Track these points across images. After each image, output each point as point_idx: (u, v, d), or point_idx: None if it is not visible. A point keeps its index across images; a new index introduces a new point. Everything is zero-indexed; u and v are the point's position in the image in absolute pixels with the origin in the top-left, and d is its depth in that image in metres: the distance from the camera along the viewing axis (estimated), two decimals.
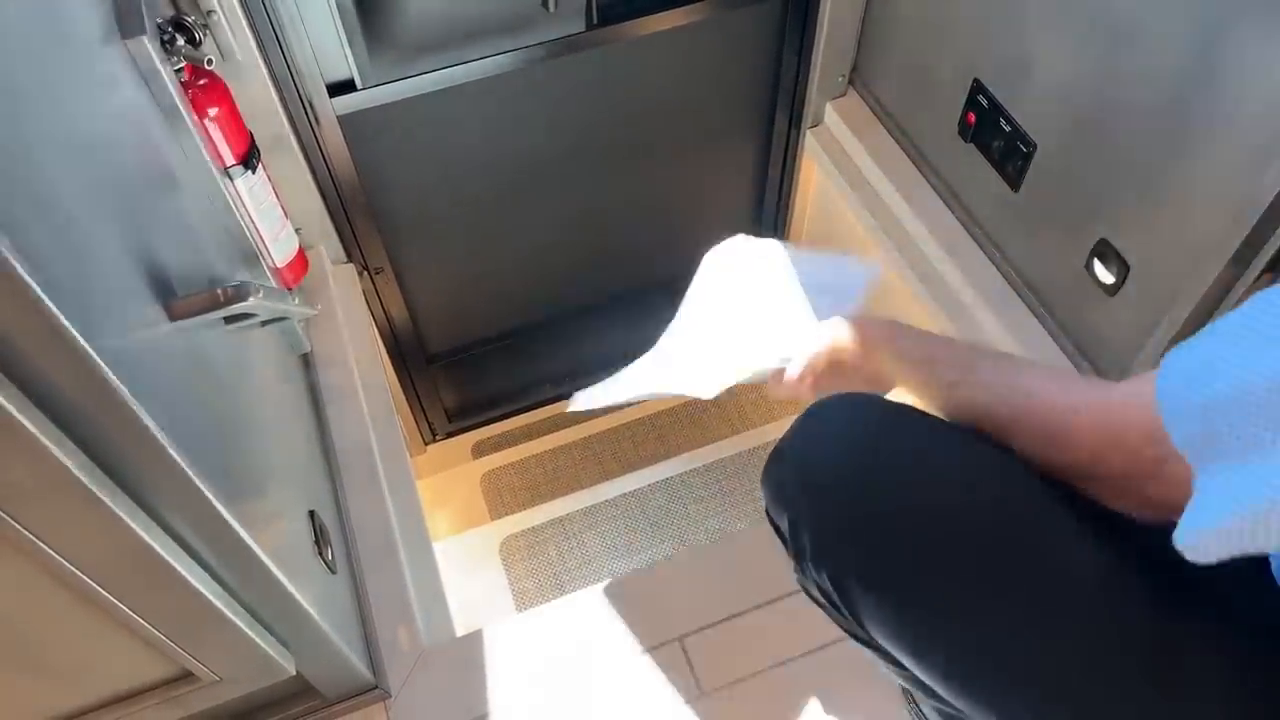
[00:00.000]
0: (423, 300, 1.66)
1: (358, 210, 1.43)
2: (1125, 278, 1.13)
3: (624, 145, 1.56)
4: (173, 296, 0.72)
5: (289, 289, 1.23)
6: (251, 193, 1.10)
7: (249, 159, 1.08)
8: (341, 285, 1.45)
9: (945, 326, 1.39)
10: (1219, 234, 0.98)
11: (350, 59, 1.24)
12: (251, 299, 0.74)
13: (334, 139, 1.32)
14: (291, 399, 1.18)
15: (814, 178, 1.72)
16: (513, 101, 1.40)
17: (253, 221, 1.11)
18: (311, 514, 0.99)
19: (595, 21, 1.33)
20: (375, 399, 1.33)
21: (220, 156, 1.04)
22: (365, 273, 1.54)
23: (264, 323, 1.03)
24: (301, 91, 1.24)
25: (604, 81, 1.44)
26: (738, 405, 1.78)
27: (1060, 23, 1.10)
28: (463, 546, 1.42)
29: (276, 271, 1.18)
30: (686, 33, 1.41)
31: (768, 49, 1.51)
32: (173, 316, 0.70)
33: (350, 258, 1.50)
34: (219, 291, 0.73)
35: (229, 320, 0.84)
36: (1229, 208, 0.96)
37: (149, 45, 0.85)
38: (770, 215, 1.80)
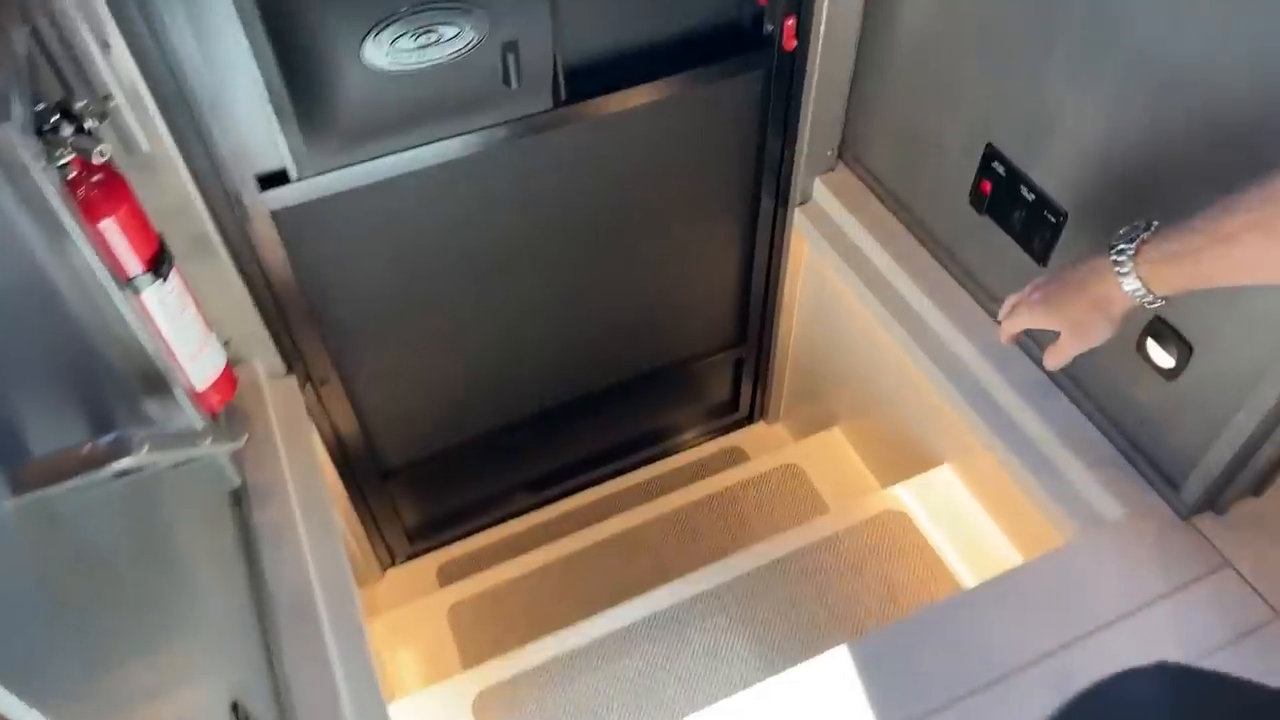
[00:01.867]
0: (375, 410, 1.48)
1: (298, 316, 1.25)
2: (1188, 359, 0.98)
3: (598, 230, 1.41)
4: (22, 460, 0.53)
5: (212, 414, 1.04)
6: (163, 305, 0.92)
7: (158, 266, 0.91)
8: (280, 402, 1.26)
9: (974, 423, 1.23)
10: None
11: (283, 147, 1.08)
12: (133, 455, 0.56)
13: (267, 237, 1.15)
14: (215, 548, 0.98)
15: (804, 257, 1.57)
16: (473, 188, 1.25)
17: (164, 339, 0.93)
18: (234, 707, 0.78)
19: (563, 98, 1.19)
20: (320, 536, 1.13)
21: (120, 265, 0.87)
22: (309, 385, 1.35)
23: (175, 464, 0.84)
24: (226, 185, 1.07)
25: (574, 162, 1.30)
26: (739, 512, 1.60)
27: (1090, 72, 0.97)
28: (429, 705, 1.21)
29: (195, 395, 0.99)
30: (662, 108, 1.28)
31: (749, 124, 1.38)
32: (17, 488, 0.51)
33: (290, 370, 1.31)
34: (87, 450, 0.55)
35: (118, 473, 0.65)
36: None
37: (16, 135, 0.69)
38: (759, 298, 1.65)
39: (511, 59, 1.11)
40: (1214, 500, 1.03)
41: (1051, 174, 1.08)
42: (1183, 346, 0.98)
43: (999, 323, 0.95)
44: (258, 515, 1.12)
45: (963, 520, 1.39)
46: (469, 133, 1.17)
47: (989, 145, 1.15)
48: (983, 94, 1.13)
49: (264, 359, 1.26)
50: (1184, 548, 1.03)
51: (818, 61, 1.28)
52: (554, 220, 1.36)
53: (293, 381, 1.32)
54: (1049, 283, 0.88)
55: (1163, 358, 1.01)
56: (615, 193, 1.37)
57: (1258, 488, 1.04)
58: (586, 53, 1.19)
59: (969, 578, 1.38)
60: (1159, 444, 1.06)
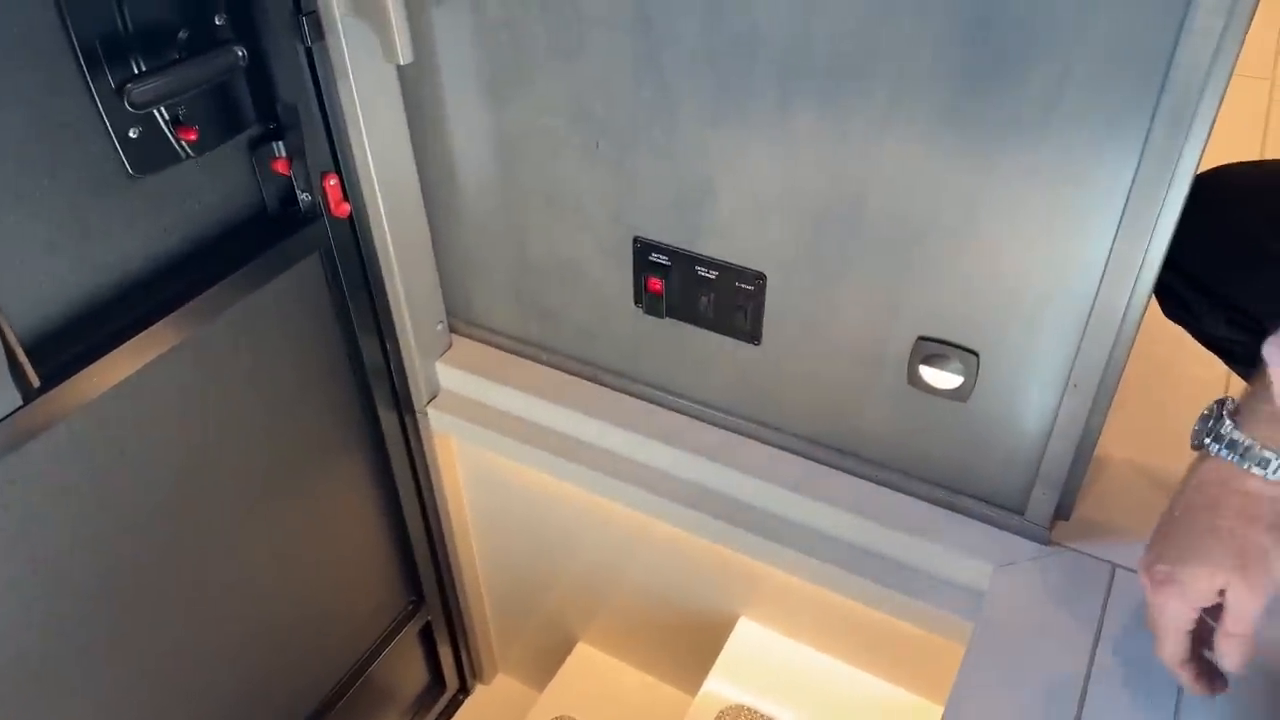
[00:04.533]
0: None
1: None
2: (976, 368, 0.83)
3: (162, 554, 0.94)
4: None
5: None
6: None
7: None
8: None
9: (762, 551, 0.98)
10: (1088, 247, 0.72)
11: None
12: None
13: None
14: None
15: (458, 462, 1.23)
16: None
17: None
18: None
19: (36, 384, 0.74)
20: None
21: None
22: None
23: None
24: None
25: (90, 471, 0.83)
26: None
27: (736, 115, 0.80)
28: None
29: None
30: (203, 344, 0.88)
31: (327, 325, 1.03)
32: None
33: None
34: None
35: None
36: (1090, 197, 0.71)
37: None
38: (420, 537, 1.26)
39: None
40: (1064, 506, 0.89)
41: (728, 240, 0.89)
42: (966, 356, 0.83)
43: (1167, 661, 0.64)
44: None
45: (807, 674, 1.12)
46: None
47: (637, 240, 0.94)
48: (605, 189, 0.92)
49: None
50: (1072, 575, 0.86)
51: (385, 222, 0.98)
52: (88, 580, 0.86)
53: None
54: (1162, 547, 0.62)
55: (945, 379, 0.85)
56: (172, 492, 0.92)
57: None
58: (54, 308, 0.77)
59: None
60: (982, 475, 0.90)
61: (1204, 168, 0.77)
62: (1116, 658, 0.79)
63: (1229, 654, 0.59)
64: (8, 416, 0.73)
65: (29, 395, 0.74)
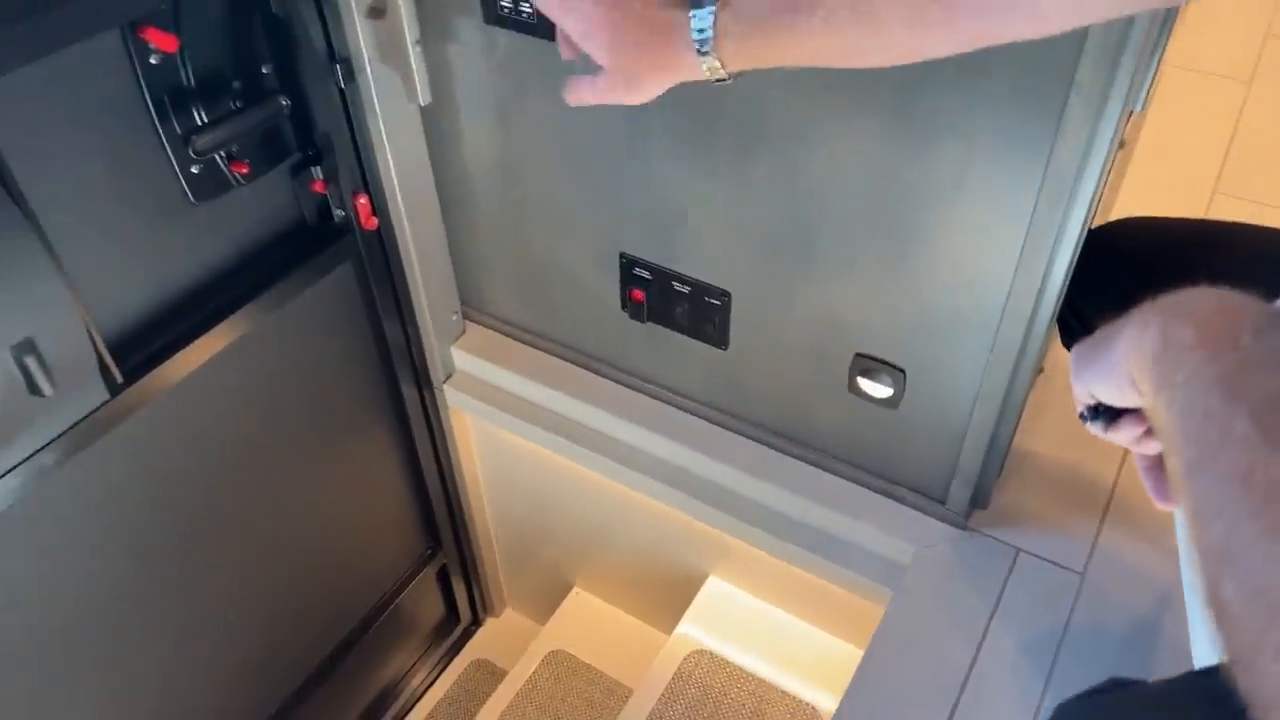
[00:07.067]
0: None
1: None
2: (904, 382, 0.98)
3: (226, 517, 1.12)
4: None
5: None
6: None
7: None
8: None
9: (726, 525, 1.14)
10: (992, 274, 0.85)
11: None
12: None
13: None
14: None
15: (472, 432, 1.40)
16: (28, 547, 0.91)
17: None
18: None
19: (120, 380, 0.91)
20: None
21: None
22: None
23: None
24: None
25: (165, 449, 1.01)
26: None
27: (699, 161, 0.94)
28: None
29: None
30: (253, 340, 1.04)
31: (359, 320, 1.19)
32: None
33: None
34: None
35: None
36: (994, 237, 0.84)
37: None
38: (439, 496, 1.44)
39: (34, 363, 0.81)
40: (979, 498, 1.04)
41: (700, 261, 1.03)
42: (894, 372, 0.97)
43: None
44: None
45: (762, 625, 1.30)
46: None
47: (623, 255, 1.08)
48: (595, 210, 1.06)
49: None
50: (980, 556, 1.02)
51: (408, 231, 1.13)
52: (161, 536, 1.04)
53: None
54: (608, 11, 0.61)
55: (878, 390, 0.99)
56: (231, 462, 1.10)
57: (1000, 468, 1.07)
58: (133, 316, 0.93)
59: (812, 688, 1.28)
60: (911, 469, 1.05)
61: (1164, 160, 0.89)
62: (1006, 624, 0.96)
63: (573, 95, 0.66)
64: (98, 409, 0.90)
65: (114, 390, 0.91)
